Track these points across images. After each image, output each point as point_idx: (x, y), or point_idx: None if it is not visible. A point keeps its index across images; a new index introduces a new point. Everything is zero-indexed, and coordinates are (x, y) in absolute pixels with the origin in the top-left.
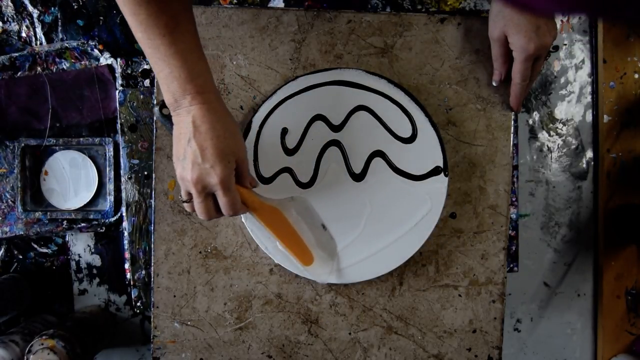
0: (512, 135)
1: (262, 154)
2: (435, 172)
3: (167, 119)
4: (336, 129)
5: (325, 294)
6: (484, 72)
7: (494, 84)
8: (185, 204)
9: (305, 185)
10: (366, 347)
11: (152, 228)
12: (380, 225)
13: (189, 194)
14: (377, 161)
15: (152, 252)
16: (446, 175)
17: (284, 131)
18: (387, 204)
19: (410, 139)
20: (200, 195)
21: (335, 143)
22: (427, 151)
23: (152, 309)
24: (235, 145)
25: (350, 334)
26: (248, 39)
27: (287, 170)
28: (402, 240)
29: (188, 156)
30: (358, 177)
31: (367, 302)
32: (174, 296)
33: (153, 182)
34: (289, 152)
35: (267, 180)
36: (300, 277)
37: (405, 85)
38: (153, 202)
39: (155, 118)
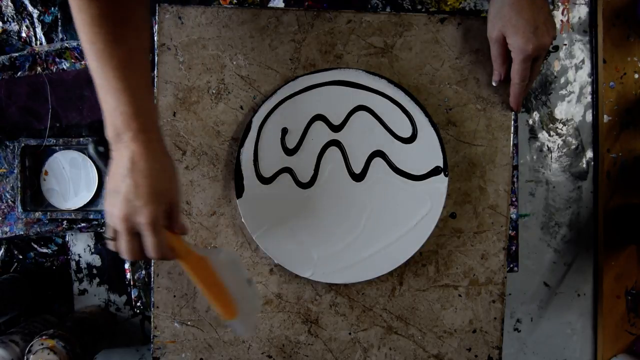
0: (512, 135)
1: (262, 154)
2: (435, 172)
3: (101, 155)
4: (336, 129)
5: (325, 294)
6: (484, 72)
7: (493, 84)
8: (110, 243)
9: (305, 185)
10: (366, 347)
11: None
12: (380, 225)
13: (115, 232)
14: (377, 161)
15: None
16: (446, 175)
17: (284, 131)
18: (387, 204)
19: (410, 139)
20: (127, 234)
21: (335, 143)
22: (427, 151)
23: (152, 309)
24: (170, 187)
25: (350, 334)
26: (248, 39)
27: (287, 170)
28: (402, 240)
29: (121, 192)
30: (358, 177)
31: (367, 302)
32: (174, 296)
33: None
34: (289, 152)
35: (267, 181)
36: (301, 277)
37: (405, 85)
38: None
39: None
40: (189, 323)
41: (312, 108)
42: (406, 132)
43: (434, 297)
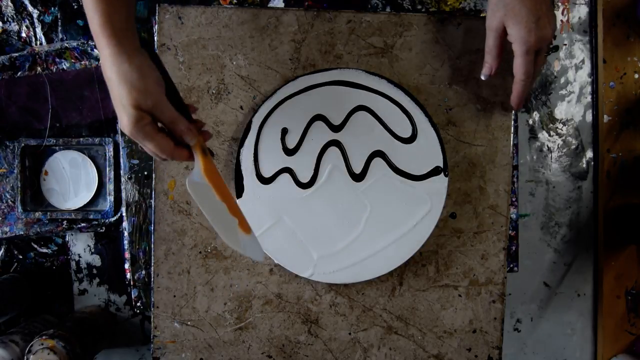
0: (512, 135)
1: (262, 154)
2: (435, 172)
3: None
4: (336, 129)
5: (325, 294)
6: (482, 71)
7: (482, 77)
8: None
9: (305, 186)
10: (366, 347)
11: (152, 228)
12: (380, 225)
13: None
14: (377, 161)
15: (152, 252)
16: (446, 175)
17: (284, 131)
18: (387, 204)
19: (410, 139)
20: (137, 140)
21: (335, 143)
22: (427, 151)
23: (152, 309)
24: (151, 92)
25: (350, 334)
26: (248, 39)
27: (287, 170)
28: (402, 240)
29: (115, 99)
30: (358, 177)
31: (367, 302)
32: (174, 296)
33: (153, 182)
34: (289, 152)
35: (267, 180)
36: (301, 277)
37: (405, 85)
38: (153, 202)
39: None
40: (189, 323)
41: (312, 108)
42: (406, 132)
43: (434, 297)
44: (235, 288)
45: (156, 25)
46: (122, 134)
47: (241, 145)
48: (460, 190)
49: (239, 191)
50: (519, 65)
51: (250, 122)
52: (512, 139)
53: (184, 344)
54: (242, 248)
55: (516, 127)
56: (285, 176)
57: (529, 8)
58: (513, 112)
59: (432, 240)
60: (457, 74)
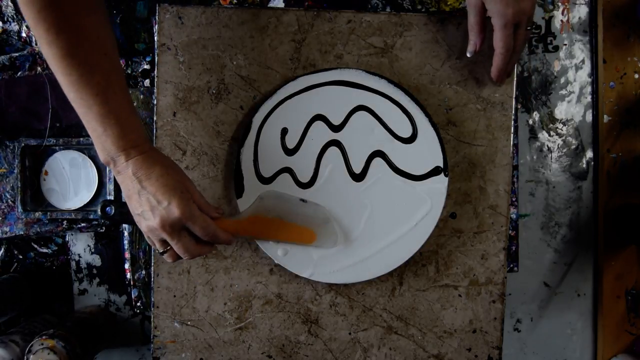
0: (512, 135)
1: (262, 154)
2: (435, 172)
3: (108, 217)
4: (336, 129)
5: (325, 294)
6: (484, 72)
7: (468, 54)
8: (165, 256)
9: (305, 186)
10: (366, 347)
11: None
12: (380, 226)
13: (164, 242)
14: (377, 161)
15: (152, 252)
16: (446, 175)
17: (284, 131)
18: (387, 204)
19: (410, 139)
20: (173, 237)
21: (336, 143)
22: (427, 151)
23: (152, 309)
24: (181, 178)
25: (350, 334)
26: (248, 39)
27: (287, 170)
28: (402, 240)
29: (145, 206)
30: (358, 177)
31: (367, 302)
32: (174, 296)
33: None
34: (289, 152)
35: (267, 180)
36: (300, 277)
37: (405, 85)
38: None
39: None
40: (189, 323)
41: (312, 108)
42: (406, 132)
43: (434, 297)
44: (235, 288)
45: (156, 25)
46: None
47: (241, 145)
48: (460, 190)
49: (239, 191)
50: (497, 39)
51: (250, 122)
52: (512, 139)
53: (184, 344)
54: (324, 248)
55: (516, 127)
56: (285, 176)
57: None
58: (513, 111)
59: (432, 240)
60: (457, 74)
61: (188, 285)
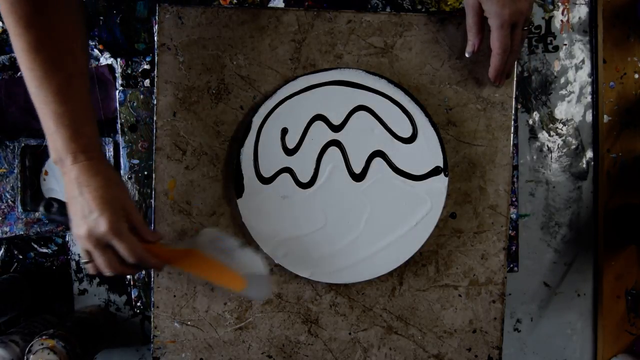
0: (512, 135)
1: (262, 154)
2: (435, 172)
3: (55, 213)
4: (336, 129)
5: (325, 294)
6: (484, 72)
7: (466, 54)
8: (87, 266)
9: (305, 186)
10: (366, 347)
11: (152, 228)
12: (380, 225)
13: (88, 253)
14: (377, 161)
15: None
16: (446, 175)
17: (284, 131)
18: (387, 204)
19: (411, 139)
20: (97, 249)
21: (336, 143)
22: (427, 151)
23: (152, 309)
24: (120, 195)
25: (350, 334)
26: (248, 39)
27: (287, 170)
28: (402, 240)
29: (77, 213)
30: (358, 177)
31: (367, 302)
32: (174, 296)
33: (153, 182)
34: (289, 152)
35: (267, 181)
36: (301, 277)
37: (406, 85)
38: (153, 202)
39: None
40: (189, 323)
41: (312, 108)
42: (406, 132)
43: (434, 297)
44: None
45: (156, 25)
46: (123, 133)
47: (241, 145)
48: (460, 190)
49: (239, 191)
50: (494, 39)
51: (250, 122)
52: (512, 138)
53: (184, 344)
54: (250, 298)
55: (516, 127)
56: (286, 176)
57: None
58: (513, 111)
59: (432, 240)
60: (457, 74)
61: (188, 285)
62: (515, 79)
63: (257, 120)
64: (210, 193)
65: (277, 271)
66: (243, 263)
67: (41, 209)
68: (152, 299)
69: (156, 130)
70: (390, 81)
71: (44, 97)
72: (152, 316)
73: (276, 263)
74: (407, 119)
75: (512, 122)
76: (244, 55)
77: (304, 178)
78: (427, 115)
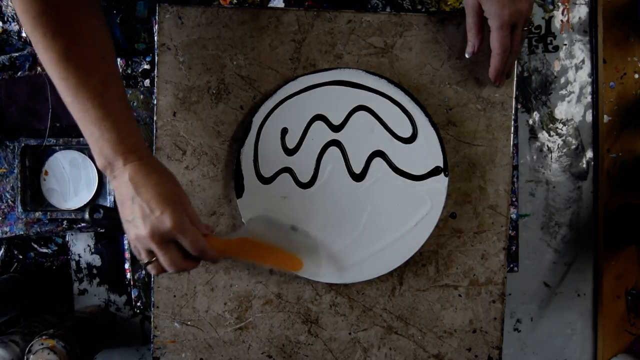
0: (512, 135)
1: (262, 154)
2: (435, 172)
3: (96, 221)
4: (336, 129)
5: (325, 294)
6: (484, 72)
7: (466, 55)
8: (150, 267)
9: (305, 185)
10: (366, 347)
11: None
12: (380, 225)
13: (150, 252)
14: (378, 161)
15: None
16: (446, 175)
17: (284, 131)
18: (387, 204)
19: (411, 139)
20: (161, 248)
21: (336, 143)
22: (427, 151)
23: (152, 309)
24: (177, 189)
25: (350, 334)
26: (248, 39)
27: (287, 170)
28: (402, 240)
29: (136, 213)
30: (358, 177)
31: (367, 302)
32: (174, 296)
33: None
34: (289, 152)
35: (267, 180)
36: (300, 277)
37: (406, 85)
38: None
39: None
40: (189, 323)
41: (312, 108)
42: (406, 132)
43: (434, 297)
44: (235, 288)
45: (156, 25)
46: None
47: (241, 145)
48: (460, 190)
49: (239, 191)
50: (494, 40)
51: (250, 122)
52: (512, 139)
53: (184, 344)
54: (310, 277)
55: (516, 127)
56: (286, 176)
57: None
58: (513, 111)
59: (432, 240)
60: (457, 74)
61: (188, 285)
62: (515, 79)
63: (257, 120)
64: (210, 193)
65: (277, 271)
66: (297, 244)
67: (86, 215)
68: (152, 299)
69: (156, 130)
70: (390, 81)
71: (82, 105)
72: (152, 316)
73: None
74: (407, 118)
75: (512, 122)
76: (244, 55)
77: (304, 178)
78: (427, 115)
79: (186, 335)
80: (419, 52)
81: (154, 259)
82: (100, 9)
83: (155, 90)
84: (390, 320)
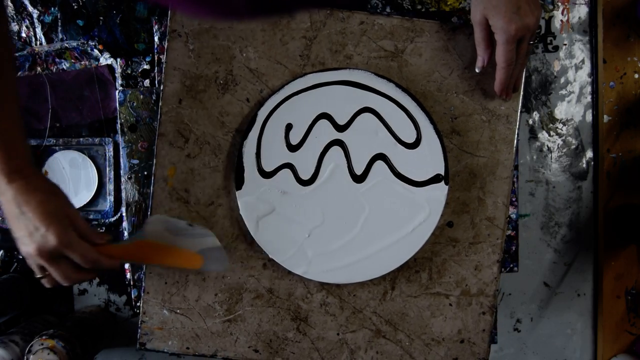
0: (514, 149)
1: (264, 148)
2: (435, 179)
3: None
4: (341, 128)
5: (316, 292)
6: (491, 83)
7: (476, 70)
8: (44, 281)
9: (305, 183)
10: (353, 348)
11: (149, 214)
12: (376, 228)
13: (42, 268)
14: (379, 164)
15: None
16: (447, 184)
17: (289, 127)
18: (386, 208)
19: (414, 145)
20: (51, 264)
21: (339, 143)
22: (429, 158)
23: (142, 294)
24: (62, 203)
25: (338, 334)
26: (259, 32)
27: (289, 166)
28: (398, 244)
29: (22, 232)
30: (359, 179)
31: (357, 304)
32: (165, 283)
33: (153, 167)
34: (292, 148)
35: (268, 175)
36: (293, 273)
37: (413, 90)
38: (152, 188)
39: None
40: (178, 311)
41: (318, 106)
42: (410, 138)
43: (425, 304)
44: (227, 279)
45: (169, 12)
46: (123, 134)
47: (244, 137)
48: (459, 199)
49: (239, 183)
50: (499, 54)
51: (255, 115)
52: (514, 152)
53: (171, 331)
54: (210, 271)
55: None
56: (286, 172)
57: None
58: (517, 125)
59: (428, 247)
60: (465, 84)
61: (180, 273)
62: (522, 93)
63: (262, 114)
64: (209, 183)
65: (271, 266)
66: (196, 240)
67: None
68: (143, 284)
69: (161, 116)
70: (398, 85)
71: None
72: (141, 301)
73: (270, 258)
74: (412, 124)
75: (516, 137)
76: (254, 48)
77: (305, 175)
78: (432, 122)
79: (174, 323)
80: (428, 59)
81: (47, 273)
82: (5, 17)
83: (162, 76)
84: (379, 323)
